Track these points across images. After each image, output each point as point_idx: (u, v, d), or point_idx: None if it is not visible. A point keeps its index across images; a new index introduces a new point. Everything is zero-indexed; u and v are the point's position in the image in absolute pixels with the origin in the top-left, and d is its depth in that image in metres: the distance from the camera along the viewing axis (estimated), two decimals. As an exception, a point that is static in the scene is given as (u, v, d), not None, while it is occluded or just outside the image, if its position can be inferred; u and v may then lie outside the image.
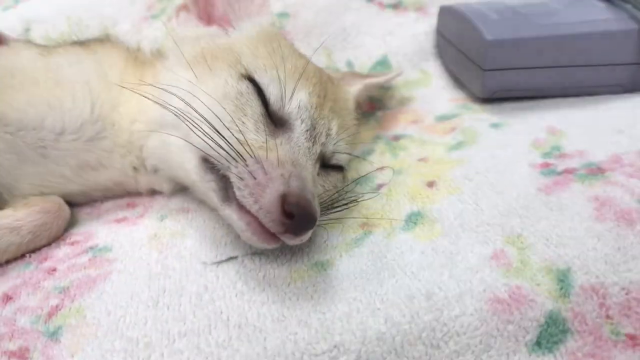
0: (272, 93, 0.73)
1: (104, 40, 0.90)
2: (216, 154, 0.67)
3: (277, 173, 0.63)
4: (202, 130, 0.68)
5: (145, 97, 0.74)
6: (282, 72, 0.74)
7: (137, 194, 0.87)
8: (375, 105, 1.05)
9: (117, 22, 1.16)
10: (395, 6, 1.20)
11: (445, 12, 1.12)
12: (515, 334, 0.59)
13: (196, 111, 0.70)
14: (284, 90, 0.73)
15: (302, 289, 0.64)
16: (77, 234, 0.79)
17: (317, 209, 0.63)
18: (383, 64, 1.13)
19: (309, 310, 0.61)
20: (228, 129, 0.68)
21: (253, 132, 0.69)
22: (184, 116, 0.70)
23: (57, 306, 0.65)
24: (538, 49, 0.96)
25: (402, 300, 0.61)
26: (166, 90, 0.73)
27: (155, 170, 0.83)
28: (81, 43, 0.89)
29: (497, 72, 0.97)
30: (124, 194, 0.87)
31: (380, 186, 0.80)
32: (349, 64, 1.12)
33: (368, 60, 1.13)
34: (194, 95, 0.71)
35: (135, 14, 1.19)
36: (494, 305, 0.60)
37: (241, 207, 0.64)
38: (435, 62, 1.15)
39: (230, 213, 0.66)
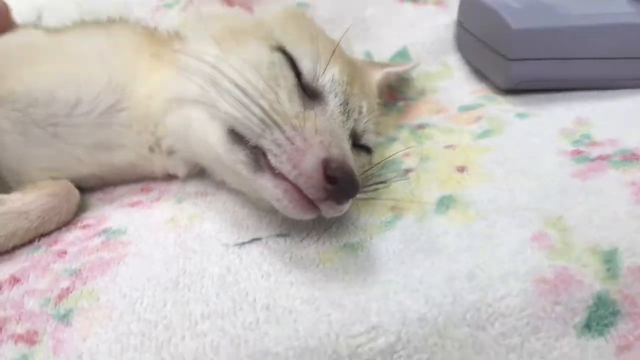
0: (305, 66, 0.70)
1: (117, 20, 0.87)
2: (249, 122, 0.63)
3: (316, 140, 0.60)
4: (235, 99, 0.65)
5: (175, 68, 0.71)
6: (315, 46, 0.71)
7: (151, 178, 0.83)
8: (397, 96, 1.02)
9: (129, 10, 1.13)
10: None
11: (467, 4, 1.10)
12: (564, 316, 0.55)
13: (226, 80, 0.66)
14: (317, 64, 0.70)
15: (332, 271, 0.60)
16: (88, 217, 0.75)
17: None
18: (402, 55, 1.10)
19: (341, 292, 0.57)
20: (262, 96, 0.65)
21: (287, 102, 0.66)
22: (217, 87, 0.67)
23: (67, 289, 0.61)
24: (564, 39, 0.94)
25: (442, 281, 0.57)
26: (189, 64, 0.71)
27: (171, 152, 0.79)
28: (92, 23, 0.86)
29: (522, 62, 0.94)
30: (139, 179, 0.83)
31: (407, 171, 0.76)
32: (368, 55, 1.09)
33: (387, 51, 1.10)
34: (221, 67, 0.68)
35: (147, 3, 1.17)
36: (540, 286, 0.56)
37: (276, 175, 0.60)
38: (455, 55, 1.13)
39: (264, 182, 0.62)
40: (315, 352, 0.52)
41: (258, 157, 0.64)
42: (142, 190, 0.81)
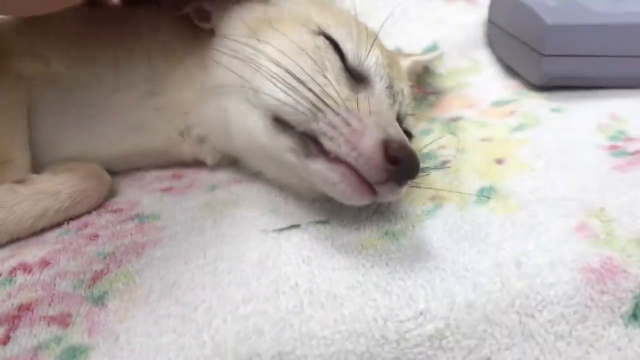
0: (349, 49, 0.69)
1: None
2: (300, 106, 0.61)
3: (372, 120, 0.58)
4: (283, 83, 0.63)
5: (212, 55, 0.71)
6: (355, 29, 0.70)
7: (181, 164, 0.81)
8: (427, 90, 1.01)
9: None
10: (444, -5, 1.17)
11: (499, 1, 1.09)
12: (611, 305, 0.54)
13: (272, 65, 0.65)
14: (360, 47, 0.68)
15: (376, 257, 0.58)
16: (119, 202, 0.74)
17: None
18: (432, 50, 1.09)
19: (386, 277, 0.55)
20: (312, 80, 0.63)
21: (336, 85, 0.64)
22: (260, 70, 0.65)
23: (101, 271, 0.60)
24: (598, 36, 0.92)
25: (489, 268, 0.55)
26: (226, 51, 0.70)
27: (202, 141, 0.78)
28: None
29: (556, 58, 0.92)
30: (168, 163, 0.82)
31: (445, 162, 0.75)
32: (398, 49, 1.08)
33: (417, 46, 1.09)
34: (266, 52, 0.67)
35: None
36: (587, 275, 0.55)
37: (332, 159, 0.58)
38: (485, 51, 1.12)
39: (318, 167, 0.60)
40: (363, 336, 0.50)
41: (307, 143, 0.62)
42: (173, 176, 0.80)
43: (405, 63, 0.90)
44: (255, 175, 0.76)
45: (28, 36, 0.74)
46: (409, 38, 1.10)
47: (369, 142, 0.56)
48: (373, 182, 0.57)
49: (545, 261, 0.56)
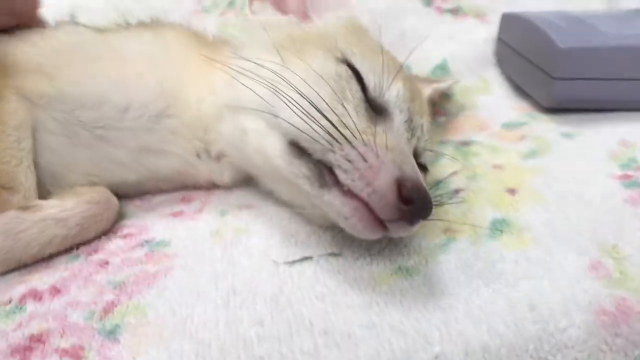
0: (371, 80, 0.68)
1: (164, 23, 0.85)
2: (315, 135, 0.61)
3: (389, 157, 0.58)
4: (301, 110, 0.62)
5: (231, 73, 0.70)
6: (379, 60, 0.69)
7: (193, 187, 0.81)
8: (437, 111, 1.00)
9: (166, 14, 1.11)
10: (453, 11, 1.17)
11: (509, 20, 1.08)
12: (624, 348, 0.54)
13: (291, 89, 0.65)
14: (383, 78, 0.68)
15: (389, 294, 0.58)
16: (129, 226, 0.73)
17: None
18: (442, 68, 1.08)
19: (400, 317, 0.55)
20: (330, 109, 0.63)
21: (354, 116, 0.64)
22: (280, 94, 0.65)
23: (112, 302, 0.59)
24: (610, 59, 0.92)
25: (504, 309, 0.55)
26: (246, 70, 0.69)
27: (220, 157, 0.77)
28: (139, 24, 0.84)
29: (567, 82, 0.92)
30: (180, 187, 0.81)
31: (457, 191, 0.75)
32: (407, 67, 1.07)
33: (427, 64, 1.08)
34: (285, 76, 0.66)
35: (185, 7, 1.15)
36: (600, 318, 0.55)
37: (345, 193, 0.59)
38: (494, 70, 1.11)
39: (331, 199, 0.60)
40: (379, 381, 0.50)
41: (322, 171, 0.62)
42: (182, 199, 0.79)
43: (426, 92, 0.90)
44: (266, 197, 0.75)
45: (33, 54, 0.74)
46: (418, 55, 1.08)
47: (384, 180, 0.56)
48: (385, 219, 0.57)
49: (559, 304, 0.56)
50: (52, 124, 0.72)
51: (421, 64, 1.08)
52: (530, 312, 0.55)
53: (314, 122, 0.62)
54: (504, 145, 0.86)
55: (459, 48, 1.11)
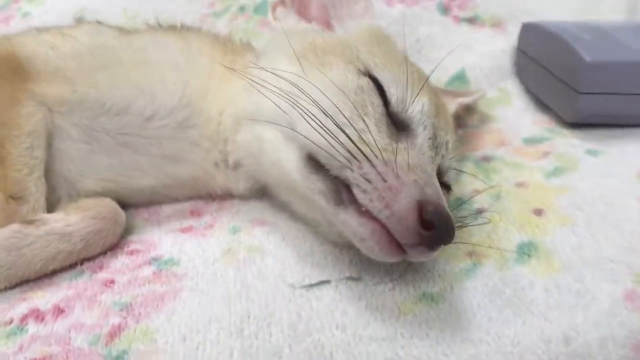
0: (394, 94, 0.65)
1: (189, 28, 0.83)
2: (333, 151, 0.58)
3: (410, 178, 0.55)
4: (319, 124, 0.59)
5: (250, 83, 0.67)
6: (403, 73, 0.66)
7: (207, 195, 0.78)
8: (461, 123, 0.97)
9: (176, 18, 1.08)
10: (471, 20, 1.14)
11: (530, 30, 1.05)
12: (662, 384, 0.51)
13: (309, 102, 0.62)
14: (406, 93, 0.65)
15: (415, 325, 0.55)
16: (135, 242, 0.70)
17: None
18: (461, 79, 1.05)
19: (427, 351, 0.52)
20: (350, 124, 0.60)
21: (375, 132, 0.60)
22: (298, 107, 0.62)
23: (119, 325, 0.56)
24: (637, 74, 0.88)
25: (537, 344, 0.53)
26: (265, 79, 0.66)
27: (237, 166, 0.75)
28: (162, 28, 0.82)
29: (594, 96, 0.89)
30: (194, 194, 0.78)
31: (480, 211, 0.71)
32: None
33: (444, 74, 1.05)
34: (303, 87, 0.63)
35: (196, 11, 1.13)
36: (638, 353, 0.52)
37: (362, 213, 0.55)
38: (514, 81, 1.08)
39: (347, 218, 0.57)
40: (406, 423, 0.46)
41: (339, 188, 0.59)
42: (191, 213, 0.76)
43: (451, 107, 0.87)
44: (279, 211, 0.73)
45: (54, 60, 0.70)
46: (434, 65, 1.06)
47: (404, 203, 0.53)
48: (404, 243, 0.53)
49: (595, 338, 0.53)
50: (72, 131, 0.70)
51: (438, 73, 1.04)
52: (565, 347, 0.52)
53: (332, 137, 0.59)
54: (525, 162, 0.83)
55: (477, 58, 1.09)
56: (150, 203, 0.79)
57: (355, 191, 0.56)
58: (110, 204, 0.71)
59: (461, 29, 1.13)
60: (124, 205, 0.73)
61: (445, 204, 0.55)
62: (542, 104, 1.02)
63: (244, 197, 0.77)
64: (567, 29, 0.97)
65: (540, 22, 1.04)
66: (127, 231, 0.72)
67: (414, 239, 0.52)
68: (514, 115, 1.00)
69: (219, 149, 0.74)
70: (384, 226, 0.54)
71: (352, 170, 0.57)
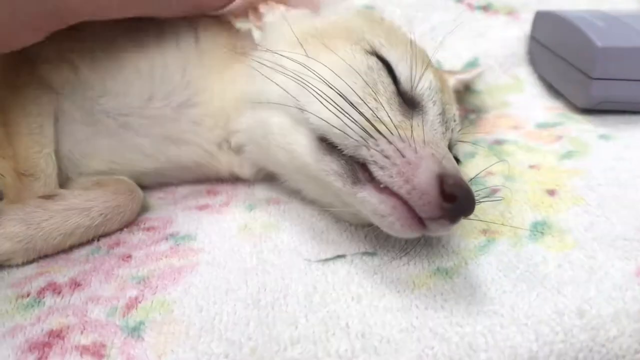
0: (402, 72, 0.65)
1: None
2: (349, 130, 0.58)
3: (427, 152, 0.55)
4: (332, 103, 0.59)
5: (254, 67, 0.67)
6: (408, 51, 0.66)
7: (216, 179, 0.78)
8: (467, 108, 0.97)
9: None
10: (485, 8, 1.14)
11: (543, 18, 1.05)
12: (677, 357, 0.51)
13: (321, 83, 0.61)
14: (413, 69, 0.65)
15: (430, 297, 0.55)
16: (152, 219, 0.71)
17: None
18: (473, 65, 1.06)
19: (442, 322, 0.52)
20: (364, 103, 0.60)
21: (389, 109, 0.60)
22: (308, 87, 0.61)
23: (136, 298, 0.57)
24: (649, 60, 0.89)
25: (551, 316, 0.52)
26: (269, 62, 0.66)
27: (240, 151, 0.75)
28: None
29: (606, 82, 0.89)
30: (202, 178, 0.79)
31: (494, 190, 0.71)
32: (438, 64, 1.04)
33: (458, 61, 1.06)
34: (314, 68, 0.63)
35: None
36: None
37: (382, 190, 0.55)
38: (527, 68, 1.08)
39: (367, 196, 0.56)
40: (420, 389, 0.47)
41: (354, 167, 0.59)
42: (207, 192, 0.76)
43: (450, 82, 0.87)
44: (293, 194, 0.73)
45: (56, 42, 0.71)
46: (449, 52, 1.06)
47: (425, 177, 0.53)
48: (425, 217, 0.54)
49: (609, 311, 0.53)
50: (75, 112, 0.71)
51: (452, 61, 1.05)
52: (580, 319, 0.52)
53: (346, 116, 0.59)
54: (539, 145, 0.83)
55: (490, 45, 1.09)
56: (163, 184, 0.79)
57: (373, 168, 0.56)
58: (128, 182, 0.72)
59: (475, 17, 1.14)
60: (139, 185, 0.74)
61: (463, 176, 0.56)
62: (554, 91, 1.02)
63: (251, 182, 0.77)
64: (580, 16, 0.97)
65: (553, 10, 1.04)
66: (144, 209, 0.73)
67: (437, 212, 0.52)
68: (526, 102, 1.00)
69: (222, 127, 0.74)
70: (404, 201, 0.54)
71: (368, 148, 0.57)
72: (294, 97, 0.63)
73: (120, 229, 0.69)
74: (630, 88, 0.90)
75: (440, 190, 0.52)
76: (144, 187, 0.76)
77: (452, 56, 1.06)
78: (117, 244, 0.66)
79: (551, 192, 0.70)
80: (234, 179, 0.78)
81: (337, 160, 0.60)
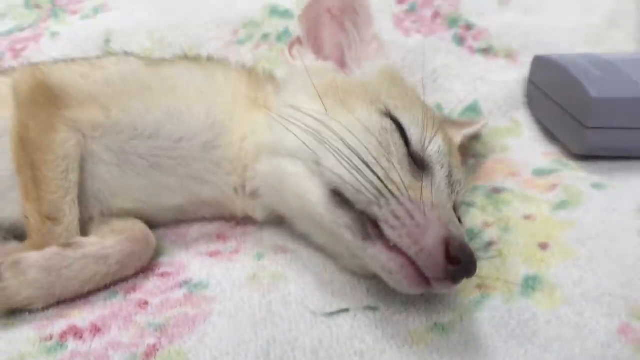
0: (414, 135, 0.69)
1: (212, 57, 0.88)
2: (361, 187, 0.62)
3: (435, 215, 0.59)
4: (347, 161, 0.64)
5: (274, 118, 0.72)
6: (420, 113, 0.70)
7: (227, 222, 0.83)
8: (466, 152, 1.01)
9: (201, 44, 1.13)
10: (485, 51, 1.17)
11: (541, 63, 1.09)
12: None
13: (337, 140, 0.66)
14: (424, 133, 0.69)
15: (427, 354, 0.59)
16: (166, 264, 0.75)
17: None
18: (474, 109, 1.09)
19: (438, 379, 0.56)
20: (377, 163, 0.64)
21: (400, 170, 0.65)
22: (324, 143, 0.66)
23: (154, 346, 0.61)
24: (643, 109, 0.92)
25: (537, 375, 0.56)
26: (288, 114, 0.70)
27: (254, 195, 0.79)
28: (188, 57, 0.87)
29: (600, 131, 0.92)
30: (217, 215, 0.83)
31: (490, 244, 0.75)
32: (439, 107, 1.08)
33: (458, 104, 1.09)
34: (330, 125, 0.68)
35: (220, 38, 1.16)
36: None
37: (391, 248, 0.60)
38: (525, 112, 1.12)
39: (376, 253, 0.61)
40: None
41: (364, 222, 0.63)
42: (218, 237, 0.80)
43: (457, 139, 0.90)
44: (300, 239, 0.77)
45: (84, 85, 0.75)
46: (449, 95, 1.10)
47: (432, 239, 0.57)
48: (431, 277, 0.58)
49: (591, 368, 0.56)
50: (105, 154, 0.74)
51: (452, 104, 1.09)
52: (563, 379, 0.56)
53: (360, 174, 0.63)
54: (534, 194, 0.87)
55: (490, 89, 1.12)
56: (177, 224, 0.83)
57: (384, 227, 0.60)
58: (142, 228, 0.76)
59: (476, 60, 1.17)
60: (151, 225, 0.78)
61: (467, 240, 0.60)
62: (551, 135, 1.06)
63: (264, 224, 0.81)
64: (577, 63, 1.00)
65: (551, 55, 1.07)
66: (157, 253, 0.77)
67: (442, 273, 0.57)
68: (524, 146, 1.03)
69: (238, 174, 0.78)
70: (412, 261, 0.58)
71: (380, 207, 0.61)
72: (311, 150, 0.68)
73: (135, 275, 0.72)
74: (624, 137, 0.93)
75: (446, 254, 0.56)
76: (157, 227, 0.80)
77: (453, 99, 1.09)
78: (134, 289, 0.70)
79: (543, 246, 0.74)
80: (246, 221, 0.82)
81: (349, 214, 0.64)
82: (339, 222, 0.65)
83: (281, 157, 0.72)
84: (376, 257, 0.61)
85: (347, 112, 0.70)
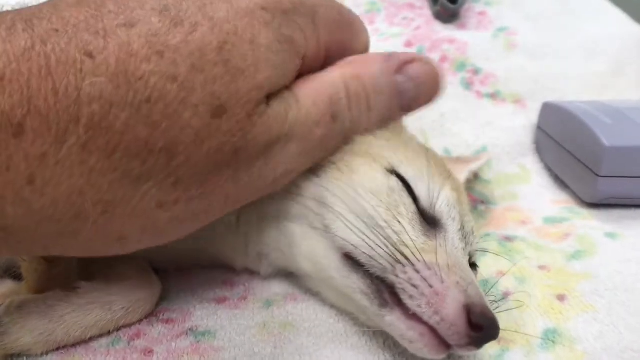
0: (421, 190, 0.66)
1: None
2: (374, 254, 0.60)
3: (452, 280, 0.57)
4: (355, 227, 0.61)
5: None
6: (425, 165, 0.68)
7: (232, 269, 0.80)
8: (475, 198, 1.00)
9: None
10: (493, 96, 1.17)
11: (550, 110, 1.08)
12: None
13: (344, 207, 0.64)
14: (431, 186, 0.66)
15: (449, 416, 0.56)
16: (170, 310, 0.72)
17: None
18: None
19: None
20: (388, 227, 0.62)
21: (412, 232, 0.62)
22: (327, 209, 0.64)
23: (160, 399, 0.57)
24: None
25: None
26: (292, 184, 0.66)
27: (260, 256, 0.75)
28: None
29: (612, 179, 0.91)
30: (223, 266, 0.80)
31: (506, 294, 0.73)
32: (447, 151, 1.07)
33: (466, 149, 1.08)
34: (335, 192, 0.65)
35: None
36: None
37: (411, 316, 0.57)
38: (533, 158, 1.11)
39: (394, 321, 0.59)
40: None
41: (380, 288, 0.61)
42: (224, 283, 0.78)
43: (462, 177, 0.89)
44: (310, 290, 0.74)
45: None
46: (457, 139, 1.09)
47: (452, 308, 0.55)
48: (453, 344, 0.56)
49: None
50: None
51: (460, 149, 1.08)
52: None
53: (370, 240, 0.61)
54: (547, 243, 0.86)
55: (498, 134, 1.11)
56: (181, 268, 0.80)
57: (403, 296, 0.58)
58: (147, 272, 0.73)
59: (483, 104, 1.16)
60: (154, 269, 0.75)
61: (487, 303, 0.58)
62: (561, 182, 1.05)
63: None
64: (587, 111, 1.00)
65: (560, 102, 1.07)
66: (161, 298, 0.73)
67: (464, 340, 0.55)
68: (533, 194, 1.02)
69: (241, 239, 0.75)
70: (433, 329, 0.56)
71: (396, 275, 0.59)
72: (319, 215, 0.65)
73: (139, 321, 0.69)
74: (636, 185, 0.92)
75: (468, 321, 0.54)
76: (160, 271, 0.77)
77: (461, 143, 1.08)
78: (137, 335, 0.67)
79: (561, 298, 0.72)
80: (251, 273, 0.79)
81: (364, 279, 0.62)
82: (354, 288, 0.63)
83: (288, 220, 0.69)
84: (395, 325, 0.59)
85: (351, 176, 0.66)
